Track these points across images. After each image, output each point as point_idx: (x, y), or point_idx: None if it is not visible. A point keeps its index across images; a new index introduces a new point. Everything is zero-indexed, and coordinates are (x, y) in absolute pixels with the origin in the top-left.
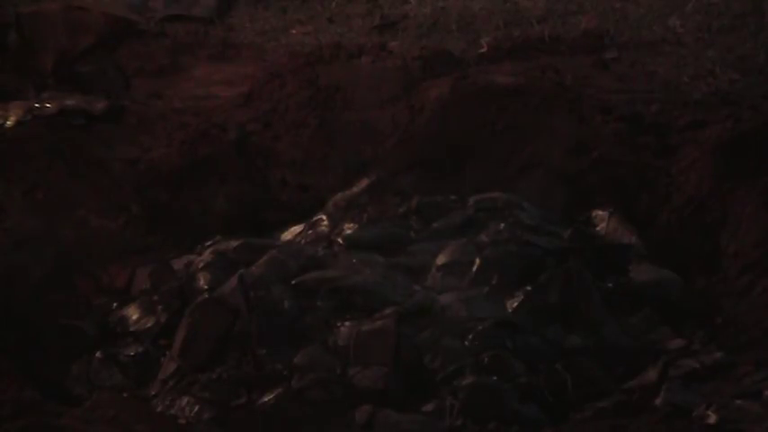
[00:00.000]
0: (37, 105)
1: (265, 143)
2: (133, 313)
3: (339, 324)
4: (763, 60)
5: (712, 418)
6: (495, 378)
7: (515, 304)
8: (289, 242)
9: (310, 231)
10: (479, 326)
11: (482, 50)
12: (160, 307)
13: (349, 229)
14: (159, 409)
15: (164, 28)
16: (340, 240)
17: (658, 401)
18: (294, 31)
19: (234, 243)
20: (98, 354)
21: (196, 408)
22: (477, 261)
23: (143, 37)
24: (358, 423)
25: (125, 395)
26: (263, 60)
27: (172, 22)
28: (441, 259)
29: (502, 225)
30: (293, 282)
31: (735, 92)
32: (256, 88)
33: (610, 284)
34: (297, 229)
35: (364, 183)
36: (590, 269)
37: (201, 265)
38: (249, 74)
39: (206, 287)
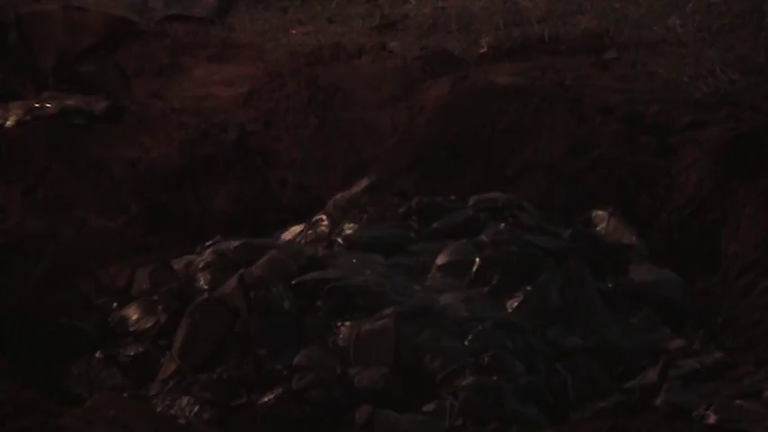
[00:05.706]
0: (37, 105)
1: (265, 143)
2: (133, 313)
3: (339, 324)
4: (763, 60)
5: (712, 418)
6: (495, 378)
7: (515, 304)
8: (289, 242)
9: (310, 231)
10: (479, 326)
11: (482, 50)
12: (160, 307)
13: (349, 229)
14: (159, 409)
15: (164, 28)
16: (340, 240)
17: (658, 401)
18: (294, 32)
19: (234, 243)
20: (98, 354)
21: (196, 408)
22: (477, 261)
23: (143, 37)
24: (358, 423)
25: (125, 395)
26: (263, 60)
27: (172, 22)
28: (441, 259)
29: (502, 225)
30: (293, 282)
31: (735, 92)
32: (256, 88)
33: (610, 284)
34: (297, 229)
35: (364, 183)
36: (590, 269)
37: (201, 265)
38: (249, 74)
39: (206, 287)
